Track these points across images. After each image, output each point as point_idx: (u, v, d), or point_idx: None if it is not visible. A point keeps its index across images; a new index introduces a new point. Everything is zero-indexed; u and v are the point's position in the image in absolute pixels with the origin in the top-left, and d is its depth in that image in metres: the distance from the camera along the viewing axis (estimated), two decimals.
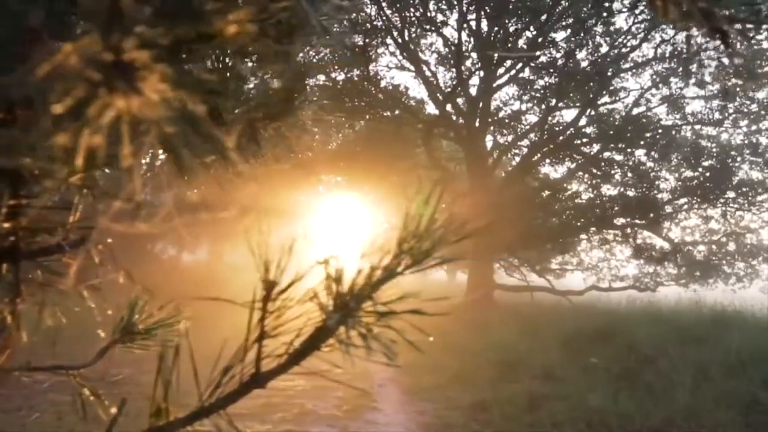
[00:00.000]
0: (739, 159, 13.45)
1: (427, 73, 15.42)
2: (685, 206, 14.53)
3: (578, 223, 14.47)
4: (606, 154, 14.51)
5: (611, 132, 13.58)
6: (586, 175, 15.01)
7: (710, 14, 0.48)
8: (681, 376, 4.76)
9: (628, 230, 14.52)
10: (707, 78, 13.96)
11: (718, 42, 0.49)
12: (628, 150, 14.14)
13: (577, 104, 14.35)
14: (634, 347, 6.11)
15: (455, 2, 13.95)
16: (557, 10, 13.09)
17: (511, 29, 13.90)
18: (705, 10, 0.48)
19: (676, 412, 4.15)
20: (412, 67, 15.39)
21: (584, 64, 13.81)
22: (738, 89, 13.35)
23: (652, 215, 13.42)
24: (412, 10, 14.51)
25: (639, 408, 4.30)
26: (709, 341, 5.97)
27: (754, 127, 13.60)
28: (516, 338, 8.04)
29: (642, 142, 13.67)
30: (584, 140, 14.53)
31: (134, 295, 0.76)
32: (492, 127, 16.39)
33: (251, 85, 1.25)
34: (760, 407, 4.03)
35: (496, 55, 13.81)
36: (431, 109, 16.49)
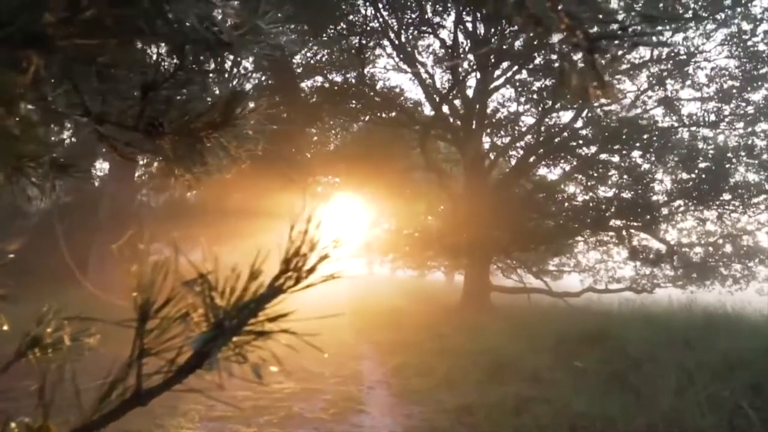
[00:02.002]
0: (734, 161, 13.45)
1: (424, 75, 15.45)
2: (681, 208, 14.52)
3: (574, 225, 14.47)
4: (602, 156, 14.51)
5: (607, 134, 13.58)
6: (582, 177, 15.00)
7: (573, 30, 0.48)
8: (667, 379, 4.75)
9: (624, 232, 14.51)
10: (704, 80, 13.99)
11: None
12: (624, 152, 14.14)
13: (574, 106, 14.35)
14: (623, 350, 6.11)
15: (451, 4, 13.95)
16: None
17: (507, 31, 13.89)
18: (569, 26, 0.48)
19: (659, 416, 4.14)
20: (408, 69, 15.42)
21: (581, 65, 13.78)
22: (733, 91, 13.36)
23: (648, 217, 13.41)
24: (408, 12, 14.50)
25: (623, 412, 4.29)
26: (699, 344, 5.96)
27: (749, 129, 13.60)
28: (508, 340, 8.04)
29: (638, 144, 13.67)
30: (580, 142, 14.53)
31: (44, 309, 0.76)
32: (489, 129, 16.40)
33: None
34: (744, 412, 4.03)
35: (492, 56, 13.80)
36: (428, 110, 16.52)
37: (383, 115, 16.29)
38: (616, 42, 0.47)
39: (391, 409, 5.39)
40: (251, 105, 1.18)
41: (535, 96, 14.66)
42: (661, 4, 12.87)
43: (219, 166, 1.23)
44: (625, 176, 14.17)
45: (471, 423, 4.77)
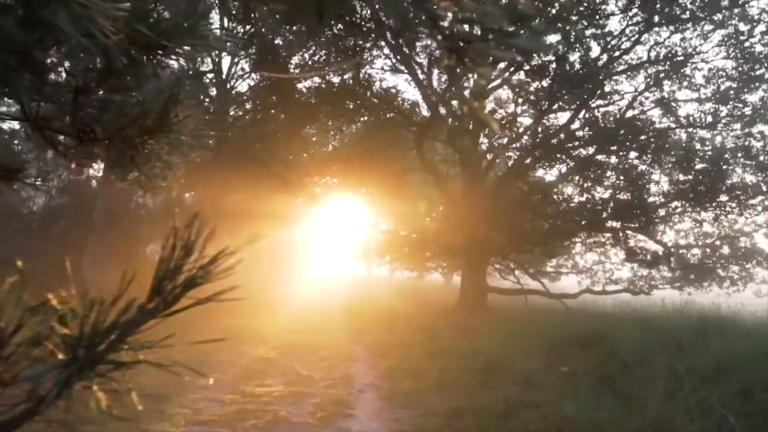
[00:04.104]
0: (731, 162, 13.38)
1: (421, 76, 15.38)
2: (678, 210, 14.46)
3: (570, 227, 14.41)
4: (599, 157, 14.44)
5: (604, 135, 13.52)
6: (579, 179, 14.94)
7: (442, 33, 0.43)
8: (658, 384, 4.69)
9: (621, 234, 14.45)
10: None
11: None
12: (621, 153, 14.07)
13: (571, 107, 14.29)
14: (615, 353, 6.05)
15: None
16: (550, 12, 13.01)
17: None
18: (441, 29, 0.43)
19: (648, 422, 4.09)
20: (405, 70, 15.34)
21: (577, 66, 13.74)
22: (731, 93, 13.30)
23: (644, 219, 13.35)
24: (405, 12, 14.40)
25: (612, 417, 4.24)
26: (691, 347, 5.91)
27: (746, 131, 13.53)
28: (501, 343, 7.98)
29: (635, 145, 13.60)
30: (577, 143, 14.46)
31: None
32: (486, 130, 16.33)
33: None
34: (734, 416, 3.97)
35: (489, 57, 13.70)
36: (425, 111, 16.45)
37: (380, 117, 16.23)
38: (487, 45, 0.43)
39: (379, 413, 5.33)
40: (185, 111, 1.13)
41: (532, 97, 14.59)
42: (658, 5, 12.83)
43: (154, 174, 1.18)
44: (622, 177, 14.10)
45: (459, 427, 4.72)
